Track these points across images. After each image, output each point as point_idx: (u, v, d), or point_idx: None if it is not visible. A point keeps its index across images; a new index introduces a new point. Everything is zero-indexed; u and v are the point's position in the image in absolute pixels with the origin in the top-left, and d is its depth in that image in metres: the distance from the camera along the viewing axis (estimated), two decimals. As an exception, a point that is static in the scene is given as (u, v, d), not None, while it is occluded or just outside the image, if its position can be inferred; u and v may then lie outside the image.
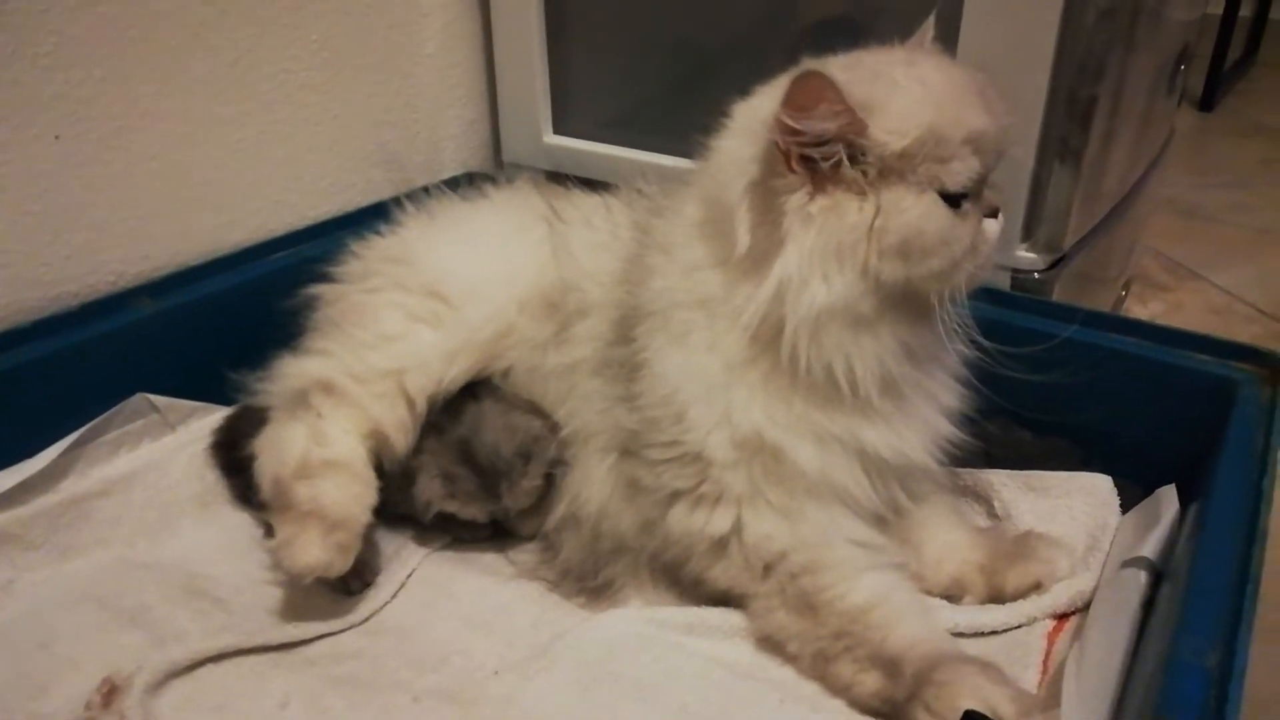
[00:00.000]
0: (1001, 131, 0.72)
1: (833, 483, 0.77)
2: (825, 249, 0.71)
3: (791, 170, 0.71)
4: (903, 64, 0.73)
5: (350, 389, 0.88)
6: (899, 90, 0.70)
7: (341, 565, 0.80)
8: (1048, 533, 0.87)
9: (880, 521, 0.83)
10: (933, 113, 0.70)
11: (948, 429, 0.82)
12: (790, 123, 0.68)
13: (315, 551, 0.79)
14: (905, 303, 0.74)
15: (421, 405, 0.89)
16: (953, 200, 0.71)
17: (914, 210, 0.70)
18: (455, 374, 0.90)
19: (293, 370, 0.91)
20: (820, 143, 0.69)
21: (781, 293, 0.72)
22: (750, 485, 0.78)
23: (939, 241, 0.71)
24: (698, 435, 0.78)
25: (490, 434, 0.87)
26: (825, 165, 0.70)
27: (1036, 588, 0.82)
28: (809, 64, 0.69)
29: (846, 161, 0.70)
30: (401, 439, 0.89)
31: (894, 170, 0.70)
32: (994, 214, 0.74)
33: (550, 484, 0.89)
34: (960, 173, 0.70)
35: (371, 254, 0.99)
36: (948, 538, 0.86)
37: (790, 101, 0.68)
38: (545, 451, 0.87)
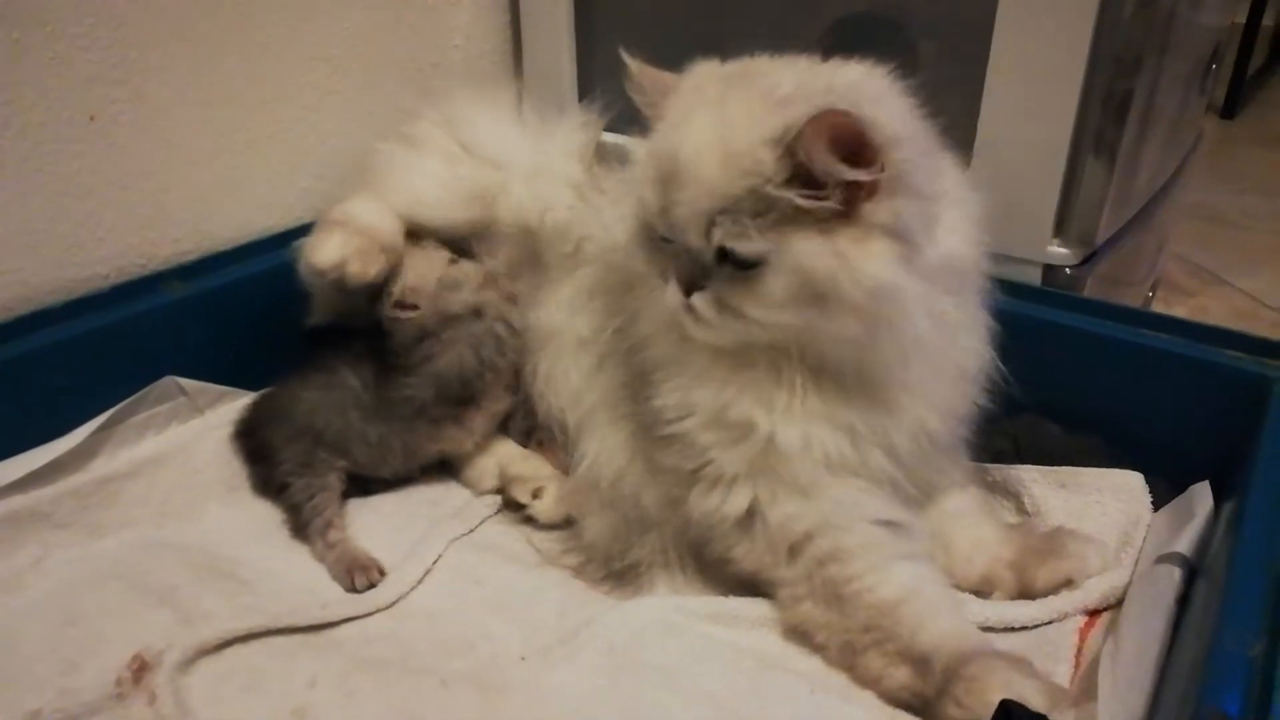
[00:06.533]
0: (654, 215, 0.72)
1: (828, 455, 0.75)
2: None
3: None
4: (712, 93, 0.71)
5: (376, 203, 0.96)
6: (677, 115, 0.73)
7: (359, 268, 0.86)
8: (1079, 529, 0.86)
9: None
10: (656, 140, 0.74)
11: (935, 424, 0.78)
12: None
13: (334, 246, 0.87)
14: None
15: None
16: (656, 235, 0.74)
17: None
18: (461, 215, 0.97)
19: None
20: None
21: None
22: (749, 465, 0.77)
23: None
24: (672, 418, 0.79)
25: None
26: None
27: (1067, 584, 0.81)
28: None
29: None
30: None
31: None
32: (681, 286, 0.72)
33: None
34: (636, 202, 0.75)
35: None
36: (977, 534, 0.85)
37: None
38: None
